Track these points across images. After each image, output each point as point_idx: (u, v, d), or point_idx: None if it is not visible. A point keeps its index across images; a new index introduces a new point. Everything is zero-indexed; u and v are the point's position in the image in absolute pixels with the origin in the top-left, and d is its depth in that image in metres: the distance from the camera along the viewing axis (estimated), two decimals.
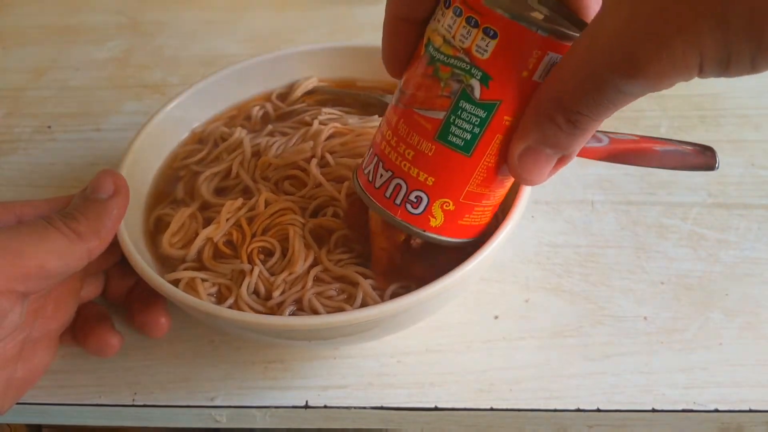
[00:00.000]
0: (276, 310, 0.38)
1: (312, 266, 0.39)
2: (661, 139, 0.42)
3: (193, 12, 0.74)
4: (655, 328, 0.43)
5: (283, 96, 0.52)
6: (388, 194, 0.34)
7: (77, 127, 0.61)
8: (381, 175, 0.35)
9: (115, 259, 0.42)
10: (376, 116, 0.48)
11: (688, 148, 0.40)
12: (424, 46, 0.32)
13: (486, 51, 0.30)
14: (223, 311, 0.35)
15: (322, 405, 0.41)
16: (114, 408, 0.42)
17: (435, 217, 0.34)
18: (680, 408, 0.39)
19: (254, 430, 0.63)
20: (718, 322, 0.43)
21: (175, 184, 0.46)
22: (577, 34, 0.28)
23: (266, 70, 0.51)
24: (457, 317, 0.44)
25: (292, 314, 0.38)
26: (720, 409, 0.39)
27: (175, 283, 0.39)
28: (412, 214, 0.34)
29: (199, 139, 0.49)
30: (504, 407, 0.40)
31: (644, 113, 0.58)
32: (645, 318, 0.44)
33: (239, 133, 0.48)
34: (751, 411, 0.39)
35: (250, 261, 0.40)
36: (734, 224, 0.49)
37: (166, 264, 0.42)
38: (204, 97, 0.49)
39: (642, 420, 0.40)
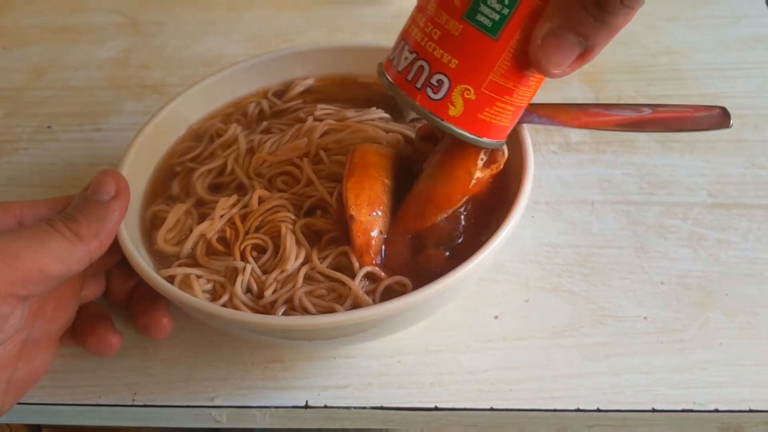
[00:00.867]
0: (269, 308, 0.38)
1: (303, 264, 0.39)
2: (674, 105, 0.42)
3: (193, 12, 0.74)
4: (655, 328, 0.43)
5: (280, 93, 0.52)
6: (410, 77, 0.34)
7: (77, 127, 0.61)
8: (405, 58, 0.34)
9: (115, 259, 0.42)
10: (374, 108, 0.47)
11: (701, 109, 0.41)
12: None
13: None
14: (236, 314, 0.35)
15: (322, 405, 0.41)
16: (114, 408, 0.42)
17: (454, 105, 0.34)
18: (680, 408, 0.39)
19: (254, 430, 0.63)
20: (718, 322, 0.43)
21: (170, 181, 0.46)
22: None
23: (266, 70, 0.51)
24: (457, 317, 0.44)
25: (285, 313, 0.37)
26: (720, 409, 0.39)
27: (170, 279, 0.39)
28: (432, 99, 0.34)
29: (195, 135, 0.49)
30: (504, 407, 0.40)
31: None
32: (645, 318, 0.44)
33: (234, 129, 0.48)
34: (751, 411, 0.39)
35: (243, 258, 0.40)
36: (734, 224, 0.49)
37: (161, 260, 0.42)
38: (204, 96, 0.49)
39: (642, 420, 0.40)
